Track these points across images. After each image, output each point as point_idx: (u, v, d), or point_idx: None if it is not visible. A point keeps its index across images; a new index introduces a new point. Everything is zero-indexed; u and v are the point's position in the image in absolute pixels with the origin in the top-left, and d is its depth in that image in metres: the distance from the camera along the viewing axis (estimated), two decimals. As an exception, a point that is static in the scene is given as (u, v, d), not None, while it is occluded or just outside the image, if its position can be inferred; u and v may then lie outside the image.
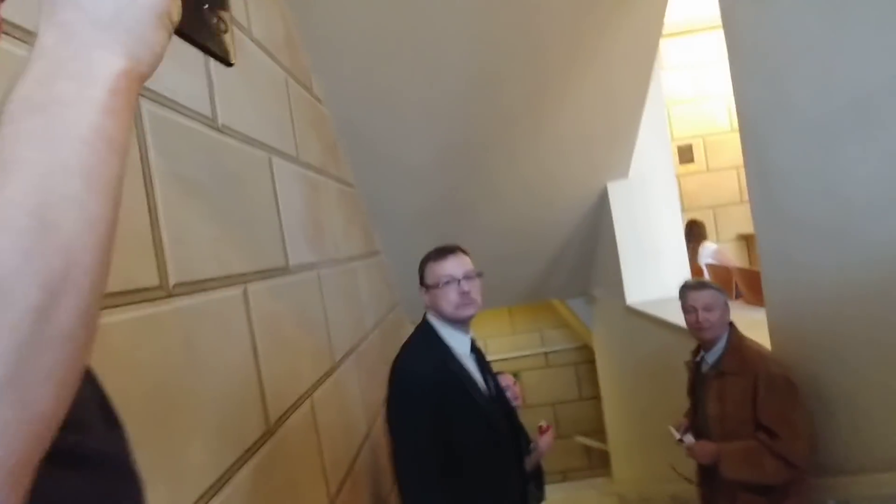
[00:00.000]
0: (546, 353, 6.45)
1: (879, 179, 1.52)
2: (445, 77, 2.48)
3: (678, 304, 2.03)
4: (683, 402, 2.14)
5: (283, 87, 1.72)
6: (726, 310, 1.91)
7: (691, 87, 5.26)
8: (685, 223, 4.00)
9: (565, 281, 4.36)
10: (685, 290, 2.00)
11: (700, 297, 1.91)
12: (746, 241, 5.19)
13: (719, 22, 2.08)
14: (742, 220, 5.27)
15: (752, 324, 2.14)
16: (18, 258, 0.26)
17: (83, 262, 0.29)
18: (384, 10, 2.15)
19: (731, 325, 1.92)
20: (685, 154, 5.24)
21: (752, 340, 1.92)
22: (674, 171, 3.77)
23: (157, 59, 0.35)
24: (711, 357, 1.93)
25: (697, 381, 2.03)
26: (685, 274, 3.55)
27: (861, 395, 1.70)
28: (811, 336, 1.88)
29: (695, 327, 1.93)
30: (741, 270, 3.43)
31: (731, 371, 1.85)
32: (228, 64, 0.42)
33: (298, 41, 2.04)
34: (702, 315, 1.89)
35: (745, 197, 5.30)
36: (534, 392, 6.20)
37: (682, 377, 2.14)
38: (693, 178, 5.27)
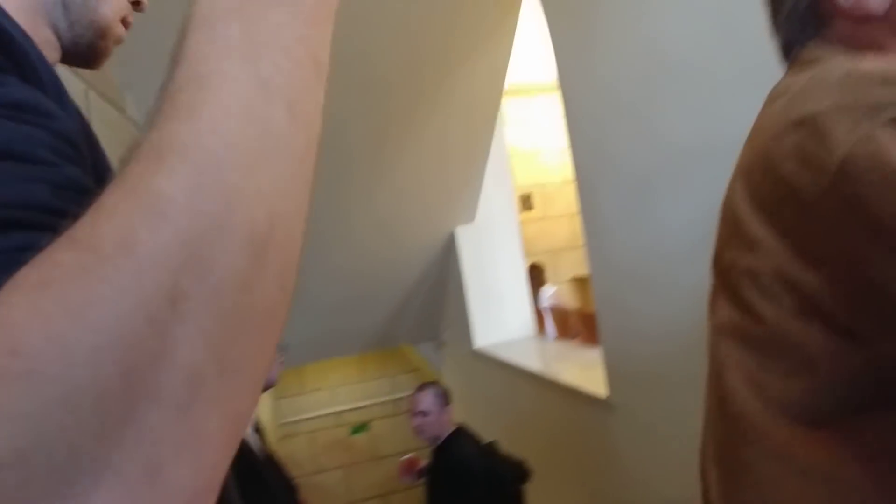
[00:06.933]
0: (396, 401, 6.31)
1: (689, 230, 1.68)
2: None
3: (524, 346, 2.06)
4: (531, 448, 2.15)
5: (83, 98, 1.46)
6: None
7: (529, 141, 5.69)
8: (527, 267, 4.22)
9: (415, 326, 4.32)
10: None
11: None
12: (580, 283, 5.64)
13: (550, 86, 2.24)
14: (575, 264, 5.74)
15: (589, 363, 2.24)
16: (219, 206, 0.19)
17: (287, 215, 0.22)
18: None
19: None
20: (525, 202, 5.62)
21: None
22: (516, 218, 3.98)
23: None
24: None
25: None
26: (528, 317, 3.71)
27: (695, 429, 1.83)
28: (643, 375, 2.01)
29: None
30: (578, 312, 3.67)
31: None
32: None
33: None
34: None
35: (578, 242, 5.82)
36: (386, 442, 5.99)
37: (528, 423, 2.17)
38: (532, 224, 5.64)
